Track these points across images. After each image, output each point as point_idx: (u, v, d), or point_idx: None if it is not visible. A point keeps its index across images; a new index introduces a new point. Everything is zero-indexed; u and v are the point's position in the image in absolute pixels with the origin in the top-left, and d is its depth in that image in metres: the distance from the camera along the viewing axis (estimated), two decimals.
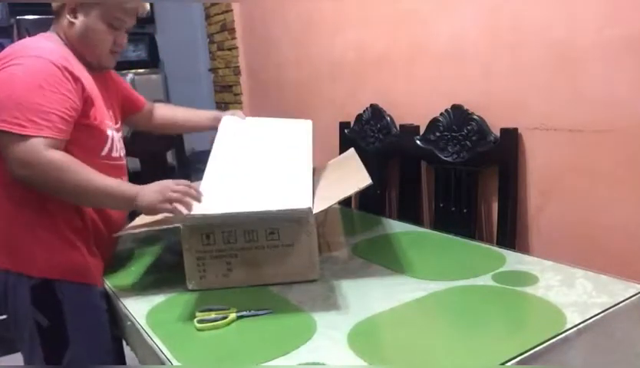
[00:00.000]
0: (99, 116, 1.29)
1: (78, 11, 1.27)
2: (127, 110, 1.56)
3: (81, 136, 1.23)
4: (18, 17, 3.50)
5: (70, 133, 1.19)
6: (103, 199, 1.20)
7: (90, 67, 1.32)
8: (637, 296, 1.01)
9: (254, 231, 1.17)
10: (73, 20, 1.27)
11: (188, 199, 1.15)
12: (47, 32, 1.32)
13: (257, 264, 1.18)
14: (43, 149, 1.12)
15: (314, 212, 1.15)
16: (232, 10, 3.12)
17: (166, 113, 1.71)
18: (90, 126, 1.26)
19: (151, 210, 1.18)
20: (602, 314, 0.95)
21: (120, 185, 1.22)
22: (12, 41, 3.79)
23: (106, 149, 1.32)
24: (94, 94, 1.28)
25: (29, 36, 1.35)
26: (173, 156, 2.79)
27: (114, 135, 1.36)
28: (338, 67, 2.31)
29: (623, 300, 0.99)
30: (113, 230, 1.34)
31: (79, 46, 1.30)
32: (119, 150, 1.39)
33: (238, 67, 3.16)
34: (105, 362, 1.26)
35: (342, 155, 1.73)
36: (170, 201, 1.15)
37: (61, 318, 1.23)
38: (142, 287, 1.26)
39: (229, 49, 3.21)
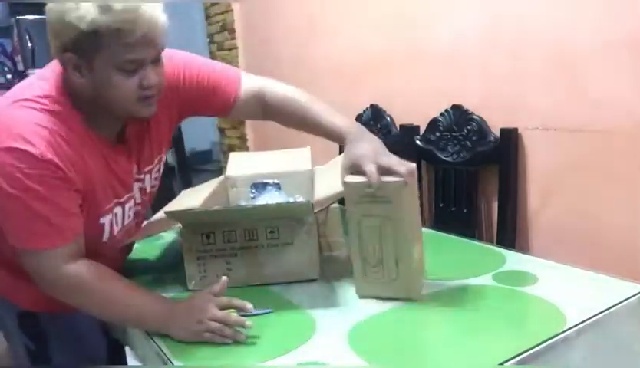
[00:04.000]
0: (92, 210, 1.07)
1: (83, 68, 0.98)
2: (208, 113, 1.27)
3: None
4: (18, 17, 3.50)
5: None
6: (130, 321, 1.08)
7: (109, 121, 1.08)
8: (637, 296, 1.01)
9: (254, 230, 1.17)
10: (80, 80, 0.99)
11: (229, 332, 0.96)
12: (53, 74, 1.04)
13: (257, 264, 1.18)
14: (61, 264, 1.00)
15: (314, 211, 1.15)
16: (232, 10, 3.12)
17: (290, 111, 1.27)
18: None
19: (187, 340, 0.99)
20: (602, 314, 0.95)
21: (148, 306, 1.03)
22: (12, 41, 3.80)
23: (106, 235, 1.13)
24: (90, 182, 1.05)
25: (29, 36, 1.23)
26: (173, 155, 2.78)
27: (120, 209, 1.15)
28: (338, 67, 2.31)
29: (623, 300, 0.99)
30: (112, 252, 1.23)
31: (97, 106, 1.03)
32: (130, 215, 1.19)
33: (238, 67, 3.16)
34: None
35: (342, 154, 1.73)
36: (210, 331, 0.96)
37: (46, 347, 1.20)
38: (141, 286, 1.25)
39: (229, 49, 3.21)
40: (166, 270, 1.37)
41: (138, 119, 1.11)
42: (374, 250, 1.05)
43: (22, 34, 3.49)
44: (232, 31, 3.15)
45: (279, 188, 1.52)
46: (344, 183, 1.04)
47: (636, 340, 1.02)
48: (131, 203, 1.19)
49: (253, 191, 1.51)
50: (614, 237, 1.40)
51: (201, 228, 1.17)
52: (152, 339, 1.01)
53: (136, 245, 1.52)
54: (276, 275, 1.19)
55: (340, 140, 1.18)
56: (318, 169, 1.58)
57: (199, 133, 3.76)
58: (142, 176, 1.20)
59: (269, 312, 1.05)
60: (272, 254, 1.18)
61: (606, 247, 1.42)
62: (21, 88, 1.05)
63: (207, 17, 3.44)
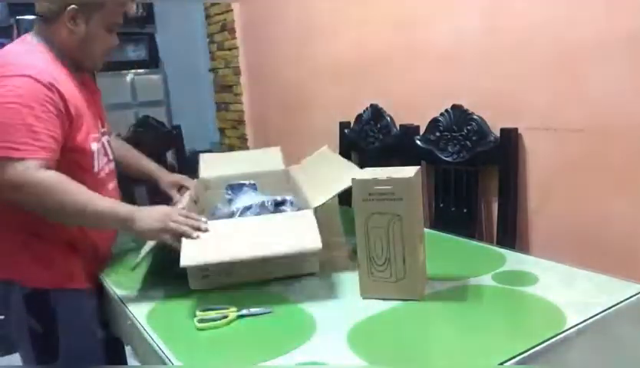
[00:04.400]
0: (84, 133, 1.25)
1: (79, 18, 1.23)
2: None
3: (69, 157, 1.20)
4: (18, 17, 3.50)
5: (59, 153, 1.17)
6: (95, 221, 1.19)
7: (78, 71, 1.32)
8: (637, 296, 1.01)
9: None
10: (73, 28, 1.24)
11: (188, 230, 1.15)
12: (28, 36, 1.28)
13: (259, 260, 1.17)
14: (34, 170, 1.10)
15: (313, 206, 1.19)
16: (232, 10, 3.12)
17: (119, 147, 1.59)
18: (76, 147, 1.23)
19: (149, 237, 1.19)
20: (602, 314, 0.95)
21: (114, 207, 1.19)
22: (12, 41, 3.80)
23: (96, 166, 1.30)
24: (80, 108, 1.24)
25: None
26: (173, 155, 2.79)
27: (99, 146, 1.33)
28: (338, 67, 2.31)
29: (623, 300, 0.99)
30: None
31: (76, 52, 1.27)
32: (106, 160, 1.37)
33: (238, 67, 3.16)
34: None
35: (317, 152, 1.71)
36: (171, 231, 1.15)
37: (54, 326, 1.22)
38: (142, 287, 1.26)
39: (229, 49, 3.21)
40: (167, 269, 1.37)
41: (91, 71, 1.44)
42: (382, 248, 1.05)
43: (22, 34, 3.50)
44: (232, 31, 3.14)
45: (255, 189, 1.52)
46: (353, 181, 1.05)
47: (636, 340, 1.02)
48: (107, 137, 1.40)
49: (229, 192, 1.51)
50: (614, 237, 1.40)
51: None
52: (152, 339, 1.01)
53: (136, 245, 1.52)
54: (277, 271, 1.20)
55: (153, 176, 1.60)
56: (293, 168, 1.58)
57: (199, 133, 3.76)
58: (105, 130, 1.41)
59: (269, 312, 1.06)
60: None
61: (606, 247, 1.42)
62: (7, 48, 1.26)
63: (207, 17, 3.44)
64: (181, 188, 1.57)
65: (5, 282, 1.23)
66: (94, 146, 1.29)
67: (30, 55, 1.21)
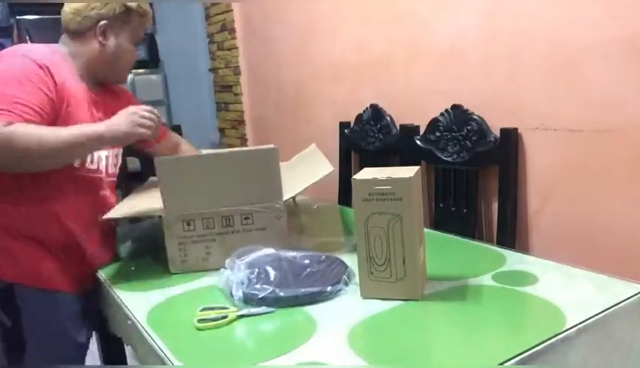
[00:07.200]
0: (74, 123, 1.23)
1: (108, 33, 1.33)
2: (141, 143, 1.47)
3: None
4: (18, 17, 3.50)
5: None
6: (69, 150, 1.17)
7: (99, 86, 1.38)
8: (637, 296, 1.01)
9: (230, 217, 1.26)
10: (104, 42, 1.33)
11: (156, 119, 1.25)
12: (56, 45, 1.34)
13: (233, 248, 1.23)
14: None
15: (283, 199, 1.28)
16: (232, 10, 3.12)
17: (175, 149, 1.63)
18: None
19: (126, 138, 1.22)
20: (602, 314, 0.95)
21: (81, 129, 1.19)
22: (12, 41, 3.80)
23: (88, 160, 1.31)
24: (77, 102, 1.27)
25: (29, 36, 1.36)
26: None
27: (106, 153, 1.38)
28: (338, 67, 2.31)
29: (623, 300, 0.99)
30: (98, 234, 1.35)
31: (104, 66, 1.35)
32: (98, 162, 1.36)
33: (238, 67, 3.16)
34: None
35: (305, 150, 1.77)
36: (141, 125, 1.21)
37: (19, 323, 1.22)
38: (142, 287, 1.26)
39: (229, 49, 3.21)
40: (150, 253, 1.41)
41: (113, 83, 1.46)
42: (382, 248, 1.05)
43: (22, 34, 3.49)
44: (232, 31, 3.15)
45: None
46: (353, 180, 1.05)
47: (636, 340, 1.02)
48: (113, 151, 1.41)
49: None
50: (614, 237, 1.40)
51: (182, 216, 1.25)
52: (152, 339, 1.01)
53: (136, 245, 1.52)
54: None
55: None
56: (282, 165, 1.66)
57: (199, 133, 3.76)
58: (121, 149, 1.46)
59: (270, 312, 1.06)
60: (246, 238, 1.26)
61: (606, 247, 1.42)
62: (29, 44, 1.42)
63: (207, 17, 3.44)
64: None
65: None
66: None
67: (43, 48, 1.27)
